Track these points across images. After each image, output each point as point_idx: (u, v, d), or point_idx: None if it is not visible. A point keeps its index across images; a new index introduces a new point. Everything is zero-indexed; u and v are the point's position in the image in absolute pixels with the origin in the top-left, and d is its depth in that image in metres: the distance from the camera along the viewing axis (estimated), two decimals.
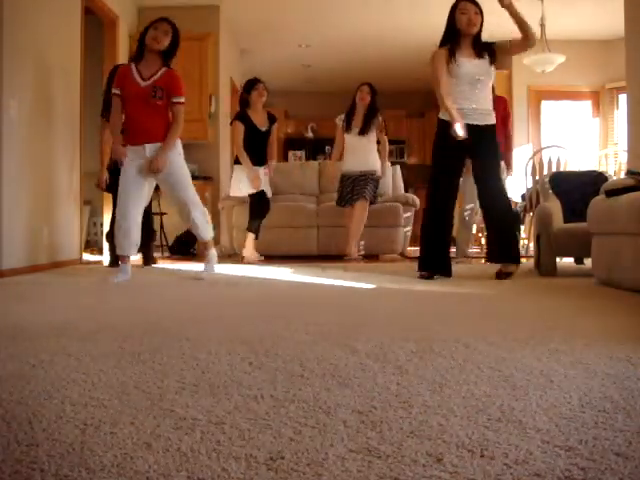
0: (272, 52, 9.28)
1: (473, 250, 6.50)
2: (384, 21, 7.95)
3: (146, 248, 5.08)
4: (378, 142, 5.84)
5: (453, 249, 4.66)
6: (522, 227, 7.32)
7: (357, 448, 1.00)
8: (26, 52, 4.61)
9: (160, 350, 1.76)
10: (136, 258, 6.19)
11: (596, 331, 2.04)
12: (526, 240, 6.65)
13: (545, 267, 4.25)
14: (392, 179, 6.67)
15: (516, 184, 7.07)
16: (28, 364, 1.60)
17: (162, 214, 6.48)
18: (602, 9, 7.36)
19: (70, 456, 0.97)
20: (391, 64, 9.84)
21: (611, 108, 8.71)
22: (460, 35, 3.98)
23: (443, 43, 4.07)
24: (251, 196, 5.55)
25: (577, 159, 7.66)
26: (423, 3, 7.37)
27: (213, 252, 4.28)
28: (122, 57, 6.63)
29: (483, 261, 5.65)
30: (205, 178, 7.04)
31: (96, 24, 6.41)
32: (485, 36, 4.10)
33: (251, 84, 5.54)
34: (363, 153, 5.70)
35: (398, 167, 6.79)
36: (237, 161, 5.57)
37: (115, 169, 4.80)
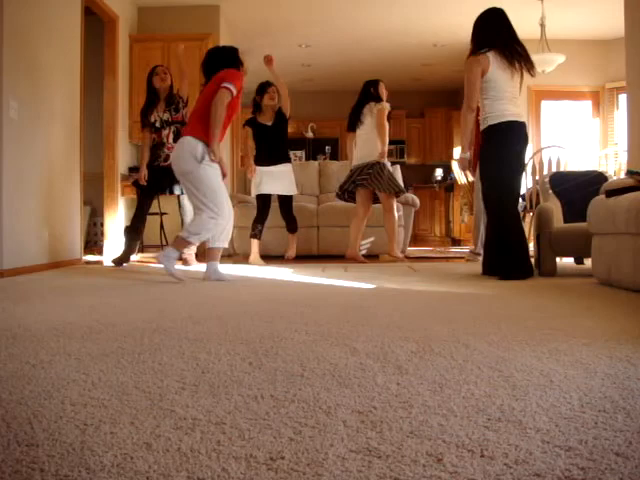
0: (272, 52, 9.24)
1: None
2: (384, 21, 7.95)
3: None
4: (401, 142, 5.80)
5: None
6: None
7: (357, 448, 1.00)
8: (26, 52, 4.61)
9: (160, 350, 1.76)
10: (136, 258, 6.20)
11: (596, 331, 2.04)
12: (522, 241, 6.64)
13: (545, 267, 4.25)
14: None
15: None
16: (28, 364, 1.60)
17: (162, 214, 6.48)
18: (602, 9, 7.36)
19: (70, 456, 0.97)
20: (391, 64, 9.84)
21: (611, 108, 8.71)
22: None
23: (493, 46, 4.05)
24: (257, 197, 5.53)
25: (577, 159, 7.66)
26: (423, 3, 7.38)
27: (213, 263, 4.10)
28: (122, 57, 6.64)
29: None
30: None
31: (96, 24, 6.41)
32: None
33: (262, 88, 5.57)
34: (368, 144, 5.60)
35: (398, 167, 6.79)
36: (256, 162, 5.53)
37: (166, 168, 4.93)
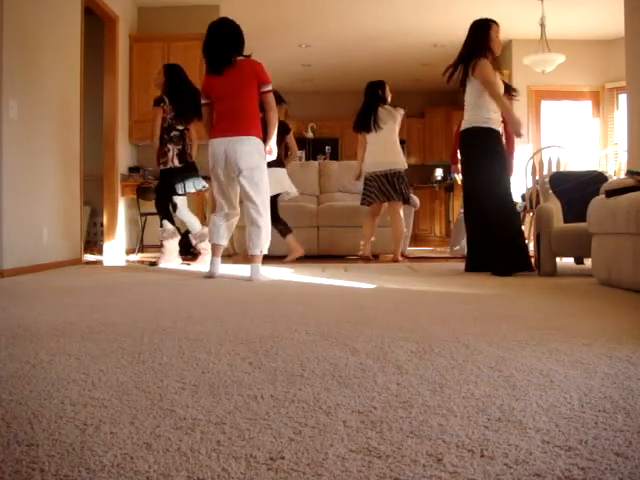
0: (272, 52, 9.28)
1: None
2: (384, 21, 7.95)
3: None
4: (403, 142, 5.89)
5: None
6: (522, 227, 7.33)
7: (357, 448, 1.00)
8: (26, 52, 4.61)
9: (160, 350, 1.76)
10: (137, 258, 6.20)
11: (596, 331, 2.04)
12: (526, 240, 6.65)
13: (545, 267, 4.25)
14: None
15: (516, 184, 7.07)
16: (28, 364, 1.60)
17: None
18: (602, 9, 7.36)
19: (70, 456, 0.97)
20: (391, 64, 9.84)
21: (611, 108, 8.71)
22: (492, 53, 4.29)
23: (484, 54, 4.25)
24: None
25: (577, 159, 7.66)
26: (423, 3, 7.38)
27: (254, 267, 4.06)
28: (122, 57, 6.64)
29: None
30: (206, 178, 7.03)
31: (96, 24, 6.41)
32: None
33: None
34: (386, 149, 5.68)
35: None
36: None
37: (170, 170, 5.13)
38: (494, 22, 4.31)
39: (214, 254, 4.19)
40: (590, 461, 0.94)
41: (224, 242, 4.22)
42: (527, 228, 6.56)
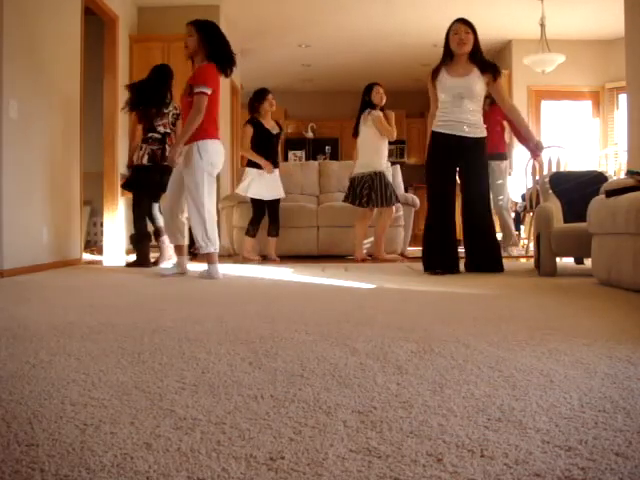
0: (272, 52, 9.29)
1: None
2: (384, 21, 7.95)
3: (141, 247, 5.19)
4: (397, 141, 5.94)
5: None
6: (522, 227, 7.33)
7: (357, 448, 1.00)
8: (26, 52, 4.61)
9: (160, 350, 1.76)
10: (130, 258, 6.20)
11: (596, 331, 2.04)
12: (526, 240, 6.65)
13: (545, 267, 4.25)
14: (392, 179, 6.66)
15: (516, 184, 7.07)
16: (28, 364, 1.60)
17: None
18: (602, 9, 7.36)
19: (70, 456, 0.97)
20: (391, 64, 9.84)
21: (611, 108, 8.71)
22: (454, 55, 4.28)
23: (440, 62, 4.38)
24: (252, 201, 5.67)
25: (577, 159, 7.66)
26: (423, 4, 7.38)
27: (212, 267, 4.13)
28: (122, 57, 6.64)
29: None
30: None
31: (96, 24, 6.41)
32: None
33: (262, 94, 5.66)
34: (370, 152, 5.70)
35: (398, 167, 6.79)
36: (249, 164, 5.69)
37: (136, 168, 5.10)
38: (453, 22, 4.29)
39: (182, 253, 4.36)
40: (590, 461, 0.94)
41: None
42: (527, 228, 6.57)
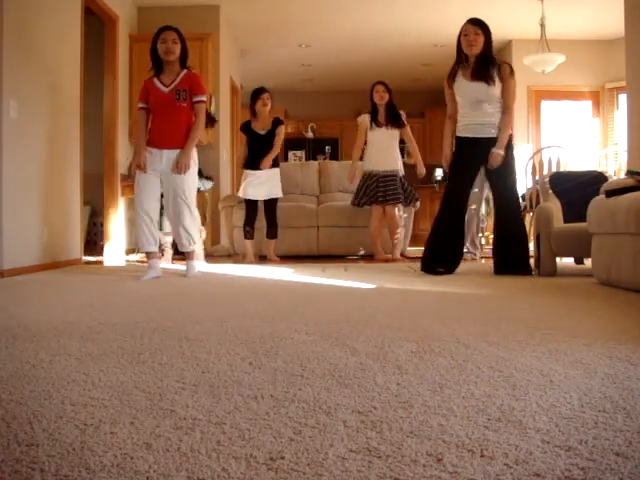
0: (272, 52, 9.28)
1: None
2: (384, 21, 7.95)
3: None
4: (402, 142, 5.95)
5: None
6: None
7: (357, 448, 1.00)
8: (26, 52, 4.61)
9: (160, 350, 1.76)
10: (137, 258, 6.20)
11: (596, 331, 2.04)
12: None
13: (545, 267, 4.25)
14: None
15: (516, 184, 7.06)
16: (28, 364, 1.60)
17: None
18: (602, 9, 7.36)
19: (70, 456, 0.97)
20: (391, 64, 9.84)
21: (611, 108, 8.71)
22: (468, 56, 4.22)
23: (454, 64, 4.32)
24: (245, 202, 5.69)
25: (577, 159, 7.66)
26: (423, 4, 7.38)
27: (193, 264, 4.35)
28: (122, 57, 6.64)
29: (483, 261, 5.66)
30: (205, 178, 7.04)
31: (96, 24, 6.41)
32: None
33: (256, 94, 5.65)
34: (388, 152, 5.72)
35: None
36: (245, 165, 5.70)
37: None
38: (465, 23, 4.23)
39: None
40: (590, 461, 0.94)
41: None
42: (527, 228, 6.56)
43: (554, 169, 6.12)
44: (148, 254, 4.22)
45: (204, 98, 4.20)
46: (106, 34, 6.46)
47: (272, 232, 5.72)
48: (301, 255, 6.04)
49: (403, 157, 6.09)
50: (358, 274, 4.35)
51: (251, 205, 5.67)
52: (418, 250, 7.81)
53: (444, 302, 2.98)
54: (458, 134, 4.32)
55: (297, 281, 3.93)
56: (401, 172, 5.81)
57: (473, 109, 4.21)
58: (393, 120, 5.72)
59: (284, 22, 8.04)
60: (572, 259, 5.14)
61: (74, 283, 3.92)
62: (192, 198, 4.24)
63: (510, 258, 4.28)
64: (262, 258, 5.82)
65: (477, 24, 4.15)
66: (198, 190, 5.43)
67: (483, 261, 5.65)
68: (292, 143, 11.60)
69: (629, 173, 3.68)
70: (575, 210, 4.32)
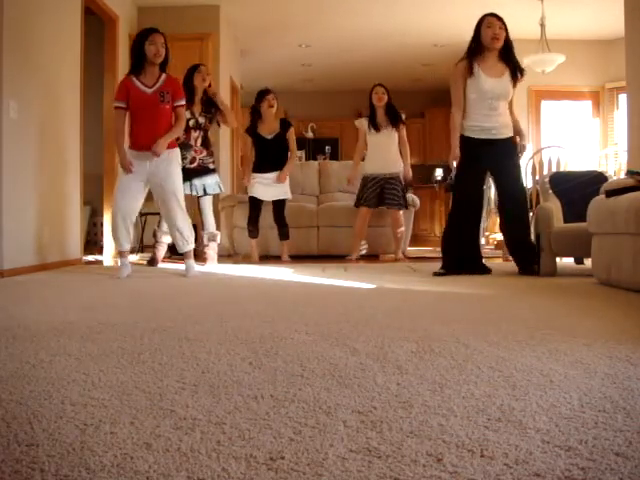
0: (272, 52, 9.28)
1: None
2: (384, 21, 7.95)
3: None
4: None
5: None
6: None
7: (357, 448, 1.00)
8: (26, 52, 4.61)
9: (160, 350, 1.76)
10: (136, 258, 6.20)
11: (596, 331, 2.04)
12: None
13: (545, 267, 4.25)
14: None
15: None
16: (28, 364, 1.60)
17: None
18: (602, 9, 7.36)
19: (70, 456, 0.97)
20: (391, 64, 9.84)
21: (611, 108, 8.71)
22: (485, 50, 4.13)
23: (468, 56, 4.17)
24: (249, 200, 5.67)
25: (577, 159, 7.66)
26: (423, 4, 7.38)
27: (191, 262, 4.39)
28: (122, 57, 6.63)
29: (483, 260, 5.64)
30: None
31: (96, 24, 6.41)
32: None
33: (261, 95, 5.60)
34: (388, 154, 5.71)
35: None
36: (254, 169, 5.64)
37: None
38: (485, 15, 4.17)
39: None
40: (590, 461, 0.94)
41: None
42: None
43: (554, 169, 6.11)
44: (121, 252, 4.28)
45: (184, 102, 4.31)
46: (106, 34, 6.46)
47: (283, 233, 5.66)
48: (301, 255, 6.04)
49: None
50: (358, 274, 4.35)
51: (255, 203, 5.61)
52: (418, 250, 7.83)
53: (444, 302, 2.98)
54: (469, 134, 4.15)
55: (297, 281, 3.93)
56: (402, 174, 5.79)
57: (491, 108, 4.09)
58: (393, 120, 5.70)
59: (284, 22, 8.03)
60: (572, 259, 5.14)
61: (74, 283, 3.92)
62: (182, 198, 4.30)
63: (529, 255, 4.29)
64: (262, 258, 5.82)
65: (500, 19, 4.08)
66: (220, 190, 5.40)
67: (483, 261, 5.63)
68: None
69: (629, 173, 3.68)
70: (575, 210, 4.32)
